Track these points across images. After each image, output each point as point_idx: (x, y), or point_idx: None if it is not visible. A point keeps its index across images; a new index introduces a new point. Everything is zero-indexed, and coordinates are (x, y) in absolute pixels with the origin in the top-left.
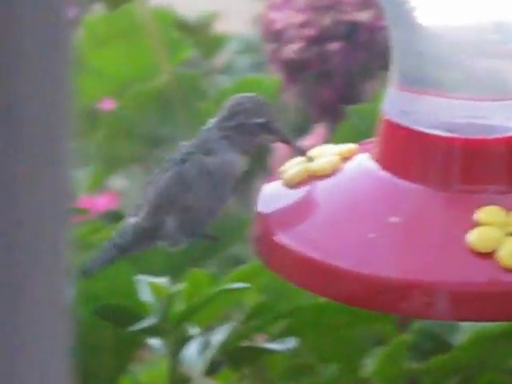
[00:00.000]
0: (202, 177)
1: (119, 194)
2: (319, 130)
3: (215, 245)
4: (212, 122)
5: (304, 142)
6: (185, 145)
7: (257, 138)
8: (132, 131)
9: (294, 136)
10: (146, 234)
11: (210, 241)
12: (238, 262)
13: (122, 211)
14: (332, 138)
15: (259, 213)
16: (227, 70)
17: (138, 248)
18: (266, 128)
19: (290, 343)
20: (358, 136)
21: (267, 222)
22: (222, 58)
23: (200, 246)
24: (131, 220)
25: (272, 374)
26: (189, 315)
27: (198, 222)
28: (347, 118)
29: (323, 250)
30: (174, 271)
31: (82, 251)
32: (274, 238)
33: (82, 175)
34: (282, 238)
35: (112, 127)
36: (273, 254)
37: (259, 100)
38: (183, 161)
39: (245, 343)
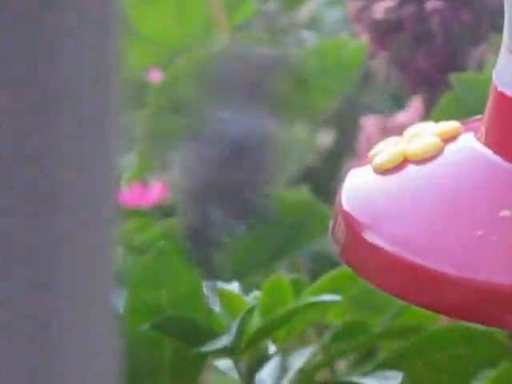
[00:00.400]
0: (226, 149)
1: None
2: (415, 103)
3: (290, 242)
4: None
5: (398, 117)
6: (221, 120)
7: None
8: (179, 107)
9: (387, 111)
10: (200, 234)
11: (268, 221)
12: (317, 263)
13: (172, 204)
14: (432, 114)
15: (344, 205)
16: (312, 24)
17: (204, 252)
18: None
19: (395, 380)
20: (462, 111)
21: (353, 217)
22: (306, 11)
23: (270, 244)
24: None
25: None
26: (266, 333)
27: (244, 201)
28: (450, 89)
29: (423, 251)
30: (241, 275)
31: (126, 253)
32: (363, 236)
33: (126, 161)
34: (373, 237)
35: (159, 102)
36: (360, 257)
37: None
38: (220, 137)
39: (328, 373)
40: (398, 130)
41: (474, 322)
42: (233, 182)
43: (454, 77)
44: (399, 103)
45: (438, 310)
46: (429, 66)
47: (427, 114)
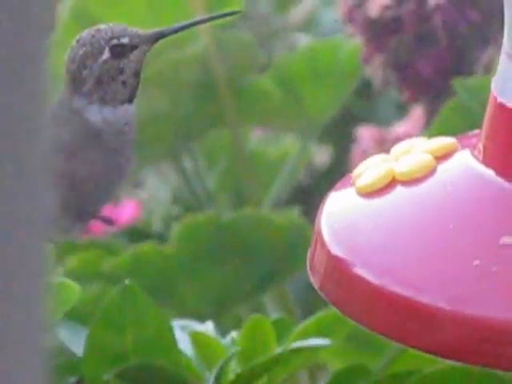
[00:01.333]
0: (80, 141)
1: (146, 200)
2: (416, 112)
3: (277, 270)
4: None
5: (397, 128)
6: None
7: (124, 73)
8: (161, 117)
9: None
10: None
11: (104, 223)
12: (309, 294)
13: (146, 225)
14: (434, 123)
15: (323, 233)
16: (308, 27)
17: None
18: (120, 49)
19: None
20: (468, 121)
21: (334, 245)
22: (301, 12)
23: (255, 272)
24: None
25: None
26: (245, 382)
27: (89, 199)
28: (454, 95)
29: (412, 283)
30: (222, 308)
31: (90, 282)
32: (345, 267)
33: None
34: (356, 268)
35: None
36: (342, 290)
37: (83, 37)
38: (56, 122)
39: None
40: (397, 143)
41: (469, 363)
42: (78, 177)
43: (458, 82)
44: (401, 112)
45: (429, 351)
46: (430, 70)
47: (428, 124)
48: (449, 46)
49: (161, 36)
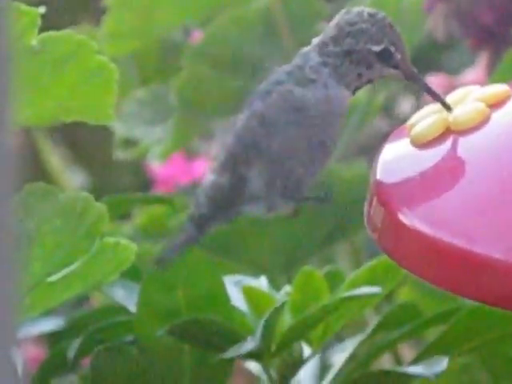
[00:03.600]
0: (293, 115)
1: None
2: (481, 61)
3: (346, 223)
4: (314, 43)
5: (466, 76)
6: (276, 71)
7: (371, 70)
8: (225, 69)
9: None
10: (227, 196)
11: (317, 204)
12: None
13: None
14: (497, 71)
15: (379, 186)
16: None
17: (220, 217)
18: (386, 58)
19: (440, 366)
20: None
21: (390, 196)
22: None
23: (323, 226)
24: (208, 179)
25: None
26: (299, 333)
27: (294, 178)
28: None
29: (469, 234)
30: (288, 264)
31: (158, 238)
32: (401, 218)
33: (159, 133)
34: (412, 220)
35: (197, 65)
36: (398, 243)
37: (379, 19)
38: (268, 93)
39: (375, 366)
40: None
41: None
42: (286, 152)
43: None
44: (461, 62)
45: (485, 301)
46: (491, 18)
47: (493, 73)
48: None
49: (415, 80)
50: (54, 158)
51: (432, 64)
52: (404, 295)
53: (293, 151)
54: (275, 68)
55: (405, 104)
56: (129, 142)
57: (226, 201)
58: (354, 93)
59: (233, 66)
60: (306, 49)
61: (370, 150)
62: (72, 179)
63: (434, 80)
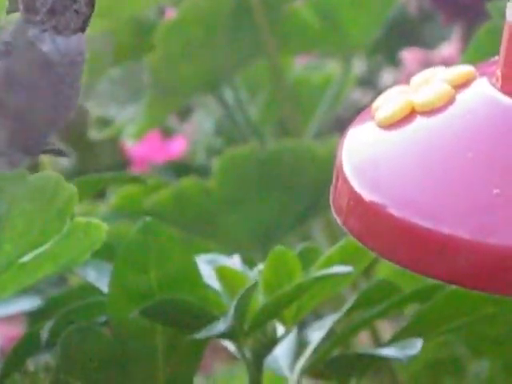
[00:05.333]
0: (37, 70)
1: (191, 134)
2: (454, 35)
3: (321, 199)
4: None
5: (438, 51)
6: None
7: (75, 2)
8: (198, 46)
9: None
10: None
11: (55, 155)
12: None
13: (187, 161)
14: (470, 46)
15: (344, 167)
16: None
17: None
18: None
19: (413, 348)
20: None
21: (356, 179)
22: None
23: (298, 202)
24: None
25: (404, 371)
26: (272, 312)
27: (37, 133)
28: (488, 18)
29: (434, 214)
30: (264, 242)
31: (131, 219)
32: (366, 201)
33: (133, 112)
34: (377, 201)
35: (170, 45)
36: (364, 224)
37: None
38: (8, 51)
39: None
40: (443, 65)
41: (492, 292)
42: (30, 108)
43: (491, 5)
44: (434, 36)
45: (451, 281)
46: None
47: (466, 48)
48: None
49: None
50: None
51: (407, 38)
52: (382, 271)
53: (36, 107)
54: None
55: (388, 76)
56: (104, 122)
57: None
58: (85, 27)
59: (206, 43)
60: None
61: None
62: (56, 160)
63: (410, 54)
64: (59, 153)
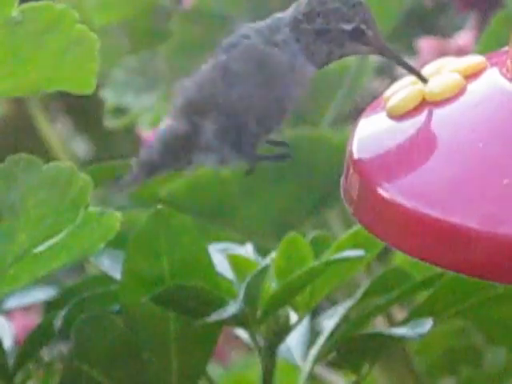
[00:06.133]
0: (255, 70)
1: None
2: (469, 24)
3: (335, 190)
4: (286, 15)
5: (454, 40)
6: (244, 27)
7: (343, 48)
8: (215, 34)
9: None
10: (180, 142)
11: (276, 161)
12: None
13: None
14: (484, 35)
15: (355, 157)
16: None
17: (170, 164)
18: (358, 36)
19: (424, 327)
20: None
21: (367, 168)
22: None
23: (315, 190)
24: (165, 124)
25: (420, 360)
26: (284, 299)
27: (248, 133)
28: (502, 7)
29: (444, 204)
30: (280, 230)
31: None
32: (377, 191)
33: (149, 101)
34: (388, 192)
35: (186, 33)
36: (374, 214)
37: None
38: (233, 46)
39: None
40: (458, 54)
41: (502, 282)
42: (243, 105)
43: None
44: (448, 25)
45: (462, 270)
46: None
47: (481, 36)
48: None
49: (388, 55)
50: (54, 129)
51: (423, 27)
52: (398, 258)
53: (250, 106)
54: (243, 24)
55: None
56: (119, 110)
57: (178, 147)
58: (322, 67)
59: (222, 30)
60: (279, 14)
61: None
62: (74, 149)
63: (426, 43)
64: (280, 158)
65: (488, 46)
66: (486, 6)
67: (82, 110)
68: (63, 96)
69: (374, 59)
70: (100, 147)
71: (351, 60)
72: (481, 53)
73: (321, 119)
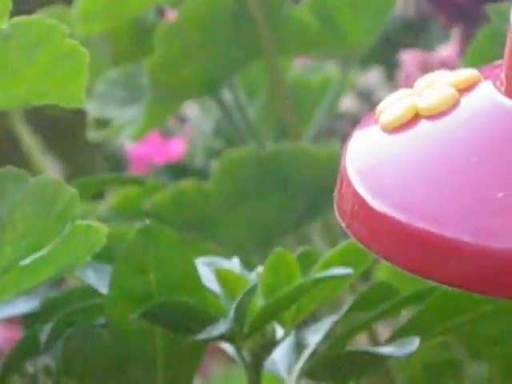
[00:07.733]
0: None
1: (190, 135)
2: (453, 38)
3: (320, 203)
4: None
5: (440, 52)
6: None
7: None
8: (198, 49)
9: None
10: None
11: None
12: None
13: (186, 162)
14: (469, 49)
15: (348, 171)
16: None
17: None
18: None
19: (411, 346)
20: (502, 47)
21: (360, 182)
22: None
23: (297, 205)
24: None
25: (402, 374)
26: (271, 314)
27: None
28: (488, 21)
29: (438, 218)
30: (263, 244)
31: (130, 221)
32: (370, 205)
33: (132, 114)
34: (381, 205)
35: (170, 46)
36: (367, 228)
37: None
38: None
39: (351, 345)
40: (441, 67)
41: (495, 295)
42: None
43: (491, 8)
44: (432, 39)
45: (454, 284)
46: None
47: (466, 50)
48: None
49: None
50: (31, 142)
51: (406, 42)
52: (381, 273)
53: None
54: None
55: (384, 91)
56: (102, 123)
57: None
58: None
59: (205, 44)
60: None
61: (339, 132)
62: (49, 163)
63: (409, 56)
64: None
65: (473, 60)
66: (470, 20)
67: (54, 126)
68: (36, 111)
69: (353, 76)
70: (70, 164)
71: (332, 75)
72: (466, 67)
73: (302, 133)
